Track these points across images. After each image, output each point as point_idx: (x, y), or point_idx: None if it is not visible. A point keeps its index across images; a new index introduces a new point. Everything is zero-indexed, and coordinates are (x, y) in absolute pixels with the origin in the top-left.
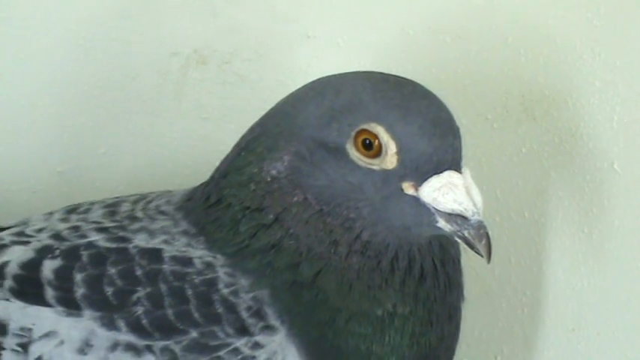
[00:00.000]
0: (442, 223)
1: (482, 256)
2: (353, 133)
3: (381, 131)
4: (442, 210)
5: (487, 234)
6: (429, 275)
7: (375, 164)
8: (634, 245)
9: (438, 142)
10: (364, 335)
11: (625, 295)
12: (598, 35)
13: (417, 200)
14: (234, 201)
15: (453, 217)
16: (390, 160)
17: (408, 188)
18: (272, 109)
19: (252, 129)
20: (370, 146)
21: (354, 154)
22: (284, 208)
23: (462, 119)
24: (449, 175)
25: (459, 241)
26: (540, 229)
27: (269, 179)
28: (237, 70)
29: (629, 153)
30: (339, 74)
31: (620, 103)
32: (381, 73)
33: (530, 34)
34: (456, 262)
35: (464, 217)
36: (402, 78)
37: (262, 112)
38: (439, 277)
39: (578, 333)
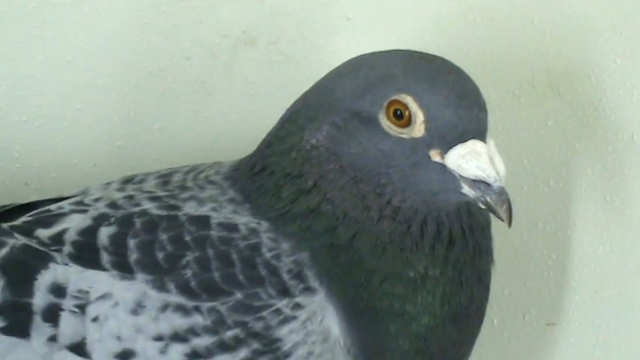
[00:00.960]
0: (466, 189)
1: (503, 220)
2: (385, 104)
3: (410, 101)
4: (466, 176)
5: (508, 200)
6: (457, 240)
7: (404, 133)
8: None
9: (463, 113)
10: (397, 295)
11: None
12: (619, 14)
13: (443, 167)
14: (276, 168)
15: (476, 183)
16: (418, 128)
17: (434, 156)
18: (314, 86)
19: (295, 103)
20: (401, 116)
21: (386, 123)
22: (321, 175)
23: (491, 95)
24: (473, 144)
25: (482, 206)
26: (565, 196)
27: (308, 147)
28: (283, 50)
29: None
30: (375, 52)
31: None
32: (414, 50)
33: (554, 14)
34: (485, 228)
35: (486, 184)
36: (432, 55)
37: (305, 89)
38: (467, 242)
39: (601, 294)
